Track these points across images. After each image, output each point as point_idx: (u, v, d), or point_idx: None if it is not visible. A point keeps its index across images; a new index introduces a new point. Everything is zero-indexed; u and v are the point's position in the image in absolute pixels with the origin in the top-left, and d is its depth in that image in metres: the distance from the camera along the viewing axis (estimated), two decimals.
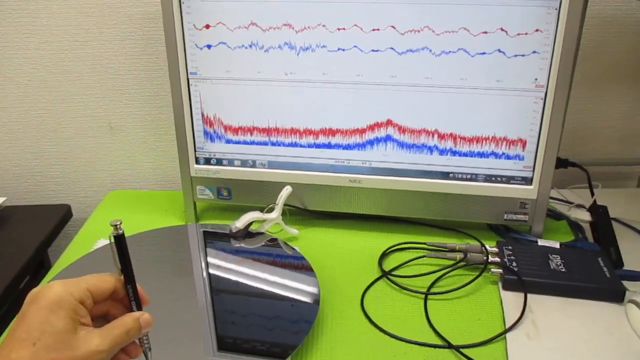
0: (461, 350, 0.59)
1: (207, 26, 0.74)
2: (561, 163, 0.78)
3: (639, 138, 1.00)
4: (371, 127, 0.77)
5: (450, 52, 0.71)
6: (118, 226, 0.44)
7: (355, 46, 0.73)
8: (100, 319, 0.44)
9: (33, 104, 0.97)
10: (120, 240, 0.45)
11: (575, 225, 0.82)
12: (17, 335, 0.39)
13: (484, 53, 0.70)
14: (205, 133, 0.81)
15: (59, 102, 0.97)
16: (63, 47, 0.93)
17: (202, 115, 0.80)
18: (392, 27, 0.71)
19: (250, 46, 0.75)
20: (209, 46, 0.75)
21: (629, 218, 0.84)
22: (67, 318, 0.40)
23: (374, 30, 0.71)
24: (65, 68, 0.95)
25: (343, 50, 0.73)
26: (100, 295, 0.43)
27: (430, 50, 0.71)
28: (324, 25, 0.72)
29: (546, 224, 0.79)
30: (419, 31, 0.70)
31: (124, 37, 0.92)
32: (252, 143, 0.80)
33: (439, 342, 0.61)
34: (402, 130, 0.76)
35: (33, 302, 0.40)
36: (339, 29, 0.72)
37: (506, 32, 0.69)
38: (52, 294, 0.40)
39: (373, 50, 0.72)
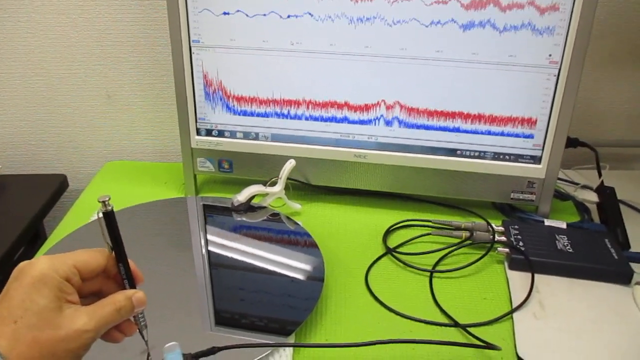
0: (468, 329, 0.58)
1: None
2: (571, 142, 0.77)
3: None
4: (378, 103, 0.75)
5: (464, 26, 0.69)
6: (107, 202, 0.42)
7: (365, 16, 0.70)
8: (93, 297, 0.43)
9: (29, 70, 0.94)
10: (109, 217, 0.42)
11: (581, 206, 0.81)
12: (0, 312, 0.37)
13: (496, 27, 0.68)
14: (207, 98, 0.78)
15: (55, 68, 0.94)
16: (60, 10, 0.90)
17: (205, 82, 0.77)
18: None
19: (255, 14, 0.72)
20: (212, 12, 0.73)
21: (636, 200, 0.83)
22: (51, 295, 0.38)
23: (398, 1, 0.69)
24: (61, 33, 0.92)
25: (357, 20, 0.70)
26: (89, 273, 0.42)
27: (447, 24, 0.69)
28: None
29: (552, 205, 0.78)
30: (444, 3, 0.68)
31: (123, 2, 0.89)
32: (256, 115, 0.78)
33: (444, 320, 0.60)
34: (409, 106, 0.74)
35: (16, 279, 0.39)
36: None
37: (522, 6, 0.67)
38: (36, 270, 0.38)
39: (385, 22, 0.70)
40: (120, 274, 0.43)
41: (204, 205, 0.79)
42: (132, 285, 0.44)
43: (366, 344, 0.52)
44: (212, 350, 0.48)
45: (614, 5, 0.89)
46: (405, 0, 0.68)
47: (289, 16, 0.71)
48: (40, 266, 0.39)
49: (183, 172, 0.83)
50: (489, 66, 0.70)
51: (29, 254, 0.82)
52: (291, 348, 0.54)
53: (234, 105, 0.78)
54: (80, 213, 0.80)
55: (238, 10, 0.72)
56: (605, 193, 0.78)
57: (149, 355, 0.47)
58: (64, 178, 0.95)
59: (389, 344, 0.53)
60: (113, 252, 0.43)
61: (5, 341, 0.36)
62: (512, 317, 0.60)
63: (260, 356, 0.52)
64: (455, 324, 0.59)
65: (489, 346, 0.53)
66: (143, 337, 0.45)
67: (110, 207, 0.42)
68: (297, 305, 0.59)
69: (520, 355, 0.55)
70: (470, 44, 0.70)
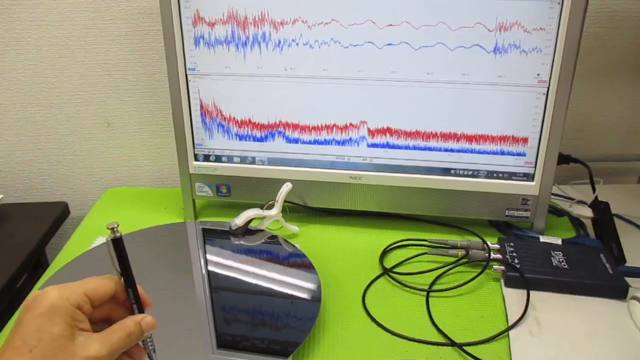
0: (464, 348, 0.58)
1: (206, 21, 0.73)
2: (563, 159, 0.78)
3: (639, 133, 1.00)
4: (371, 125, 0.76)
5: (454, 47, 0.70)
6: (115, 229, 0.43)
7: (356, 42, 0.72)
8: (102, 322, 0.44)
9: (30, 100, 0.96)
10: (118, 244, 0.44)
11: (576, 222, 0.82)
12: (13, 343, 0.38)
13: (485, 48, 0.70)
14: (204, 124, 0.80)
15: (56, 99, 0.96)
16: (60, 43, 0.92)
17: (201, 109, 0.79)
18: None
19: (250, 41, 0.74)
20: (207, 42, 0.75)
21: (631, 214, 0.84)
22: (63, 324, 0.39)
23: (386, 26, 0.71)
24: (62, 64, 0.94)
25: (349, 46, 0.72)
26: (99, 300, 0.42)
27: (437, 46, 0.70)
28: (335, 20, 0.71)
29: (547, 221, 0.79)
30: (432, 26, 0.70)
31: (121, 32, 0.92)
32: (252, 139, 0.80)
33: (441, 339, 0.60)
34: (402, 127, 0.76)
35: (29, 309, 0.39)
36: (349, 25, 0.71)
37: (509, 27, 0.68)
38: (48, 300, 0.39)
39: (375, 46, 0.72)
40: (129, 300, 0.44)
41: (202, 229, 0.80)
42: (141, 310, 0.45)
43: None
44: None
45: (605, 21, 0.91)
46: (395, 25, 0.70)
47: (281, 43, 0.73)
48: (52, 295, 0.40)
49: (182, 197, 0.85)
50: (479, 87, 0.72)
51: (32, 282, 0.82)
52: None
53: (230, 131, 0.80)
54: (82, 240, 0.81)
55: (232, 39, 0.74)
56: (600, 208, 0.79)
57: None
58: (65, 205, 0.96)
59: None
60: (122, 278, 0.44)
61: None
62: (508, 335, 0.60)
63: None
64: (452, 343, 0.59)
65: None
66: None
67: (119, 234, 0.43)
68: (295, 327, 0.60)
69: None
70: (459, 65, 0.71)
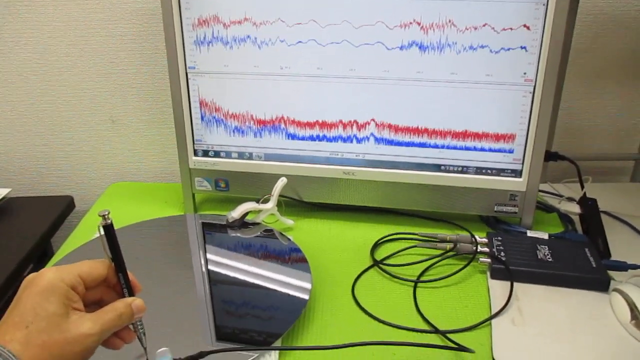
0: (447, 335, 0.60)
1: (205, 21, 0.76)
2: (550, 156, 0.80)
3: (631, 134, 1.02)
4: (364, 122, 0.79)
5: (442, 47, 0.73)
6: (106, 216, 0.46)
7: (347, 41, 0.74)
8: (95, 305, 0.46)
9: (37, 97, 1.00)
10: (109, 230, 0.46)
11: (565, 218, 0.84)
12: (11, 319, 0.41)
13: (473, 48, 0.72)
14: (203, 120, 0.82)
15: (62, 96, 1.00)
16: (67, 42, 0.96)
17: (201, 106, 0.82)
18: (381, 22, 0.73)
19: (246, 41, 0.77)
20: (206, 41, 0.78)
21: (620, 211, 0.86)
22: (59, 303, 0.41)
23: (363, 25, 0.73)
24: (69, 63, 0.97)
25: (337, 43, 0.75)
26: (92, 282, 0.45)
27: (421, 46, 0.73)
28: (327, 20, 0.74)
29: (537, 217, 0.81)
30: (408, 26, 0.72)
31: (125, 32, 0.95)
32: (249, 135, 0.83)
33: (426, 327, 0.62)
34: (394, 124, 0.78)
35: (27, 288, 0.42)
36: (333, 24, 0.74)
37: (495, 27, 0.71)
38: (45, 280, 0.42)
39: (366, 45, 0.74)
40: (120, 283, 0.47)
41: (201, 221, 0.83)
42: (131, 294, 0.47)
43: (345, 345, 0.55)
44: (201, 355, 0.52)
45: (598, 23, 0.93)
46: (385, 28, 0.73)
47: (275, 43, 0.76)
48: (49, 276, 0.43)
49: (182, 191, 0.88)
50: (467, 85, 0.74)
51: (37, 271, 0.86)
52: (277, 352, 0.57)
53: (228, 127, 0.83)
54: (85, 232, 0.84)
55: (230, 38, 0.77)
56: (587, 204, 0.80)
57: None
58: (71, 199, 1.00)
59: (366, 345, 0.57)
60: (113, 263, 0.47)
61: (18, 344, 0.39)
62: (490, 324, 0.62)
63: None
64: (435, 330, 0.61)
65: (462, 348, 0.56)
66: (142, 344, 0.49)
67: (109, 221, 0.46)
68: (285, 314, 0.62)
69: (497, 359, 0.57)
70: (448, 64, 0.73)
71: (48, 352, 0.40)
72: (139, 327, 0.48)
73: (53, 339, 0.40)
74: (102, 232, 0.46)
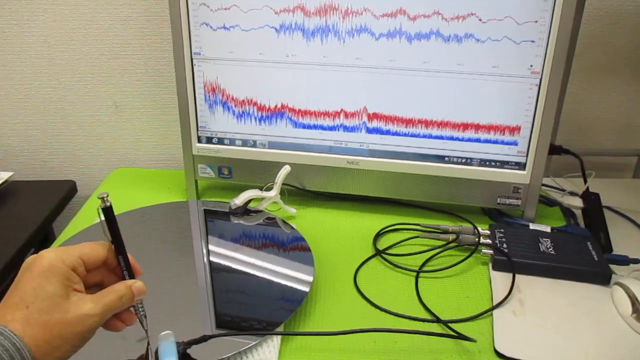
0: (449, 324, 0.61)
1: (211, 7, 0.76)
2: (554, 149, 0.80)
3: (635, 130, 1.02)
4: (369, 112, 0.79)
5: (448, 38, 0.72)
6: (105, 199, 0.45)
7: (355, 30, 0.74)
8: (95, 288, 0.46)
9: (41, 82, 1.00)
10: (108, 212, 0.46)
11: (567, 212, 0.84)
12: (12, 300, 0.41)
13: (480, 40, 0.72)
14: (208, 107, 0.82)
15: (66, 80, 1.00)
16: (71, 26, 0.95)
17: (205, 92, 0.81)
18: (402, 12, 0.72)
19: (252, 28, 0.76)
20: (212, 27, 0.77)
21: (623, 206, 0.86)
22: (59, 283, 0.41)
23: (384, 15, 0.73)
24: (72, 47, 0.97)
25: (347, 34, 0.75)
26: (92, 264, 0.45)
27: (428, 37, 0.73)
28: (334, 9, 0.74)
29: (540, 210, 0.81)
30: (427, 17, 0.72)
31: (129, 16, 0.94)
32: (253, 123, 0.82)
33: (427, 316, 0.63)
34: (399, 115, 0.78)
35: (27, 269, 0.42)
36: (347, 14, 0.74)
37: (502, 19, 0.70)
38: (45, 261, 0.42)
39: (373, 34, 0.74)
40: (120, 266, 0.47)
41: (203, 208, 0.83)
42: (132, 276, 0.47)
43: (347, 332, 0.56)
44: (203, 338, 0.52)
45: (605, 17, 0.92)
46: (391, 16, 0.72)
47: (283, 30, 0.76)
48: (49, 257, 0.42)
49: (185, 178, 0.87)
50: (473, 76, 0.74)
51: None
52: (279, 338, 0.57)
53: (233, 114, 0.82)
54: (87, 217, 0.84)
55: (236, 25, 0.77)
56: (590, 199, 0.80)
57: (148, 342, 0.50)
58: (73, 184, 1.00)
59: (368, 332, 0.57)
60: (113, 245, 0.47)
61: (19, 324, 0.39)
62: (492, 314, 0.63)
63: (250, 345, 0.55)
64: (437, 320, 0.62)
65: (463, 337, 0.56)
66: (143, 326, 0.48)
67: (108, 203, 0.46)
68: (287, 302, 0.62)
69: (498, 349, 0.57)
70: (455, 55, 0.73)
71: (49, 332, 0.40)
72: (140, 309, 0.48)
73: (54, 319, 0.40)
74: (102, 214, 0.46)
